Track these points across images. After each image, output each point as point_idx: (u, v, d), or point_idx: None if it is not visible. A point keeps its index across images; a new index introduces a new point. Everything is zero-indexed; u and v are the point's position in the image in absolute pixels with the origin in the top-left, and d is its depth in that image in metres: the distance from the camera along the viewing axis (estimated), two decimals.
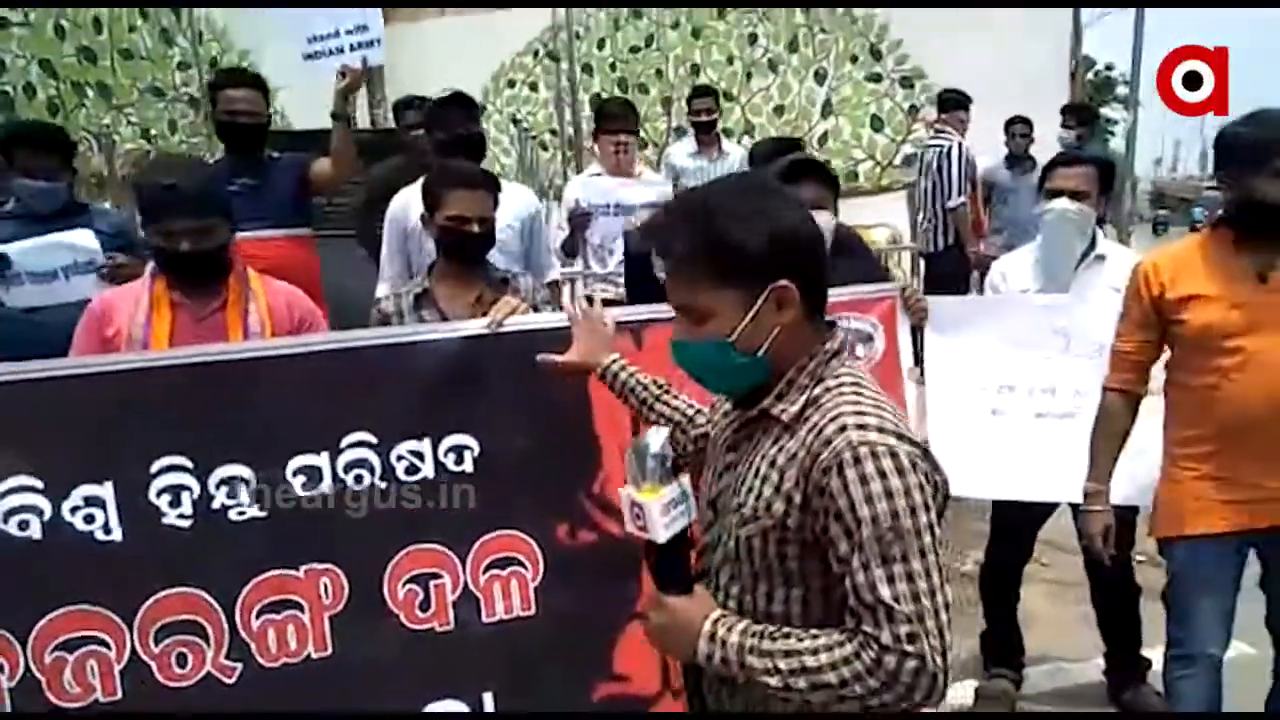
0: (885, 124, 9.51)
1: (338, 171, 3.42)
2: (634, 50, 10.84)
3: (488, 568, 2.18)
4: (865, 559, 1.23)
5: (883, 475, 1.24)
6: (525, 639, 2.19)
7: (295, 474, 2.03)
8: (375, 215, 3.38)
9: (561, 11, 10.67)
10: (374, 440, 2.08)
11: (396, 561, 2.11)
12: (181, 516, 1.94)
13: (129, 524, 1.90)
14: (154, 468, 1.93)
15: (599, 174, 3.98)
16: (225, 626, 1.98)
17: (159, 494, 1.92)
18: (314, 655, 2.05)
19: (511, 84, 11.67)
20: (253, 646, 2.00)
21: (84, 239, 2.93)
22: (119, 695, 1.91)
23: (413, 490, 2.11)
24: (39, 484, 1.84)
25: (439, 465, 2.14)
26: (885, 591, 1.22)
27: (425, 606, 2.13)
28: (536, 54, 11.52)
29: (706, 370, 1.41)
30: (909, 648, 1.21)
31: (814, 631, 1.28)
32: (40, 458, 1.84)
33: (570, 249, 4.06)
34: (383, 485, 2.10)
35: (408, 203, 2.98)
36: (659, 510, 1.31)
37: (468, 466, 2.16)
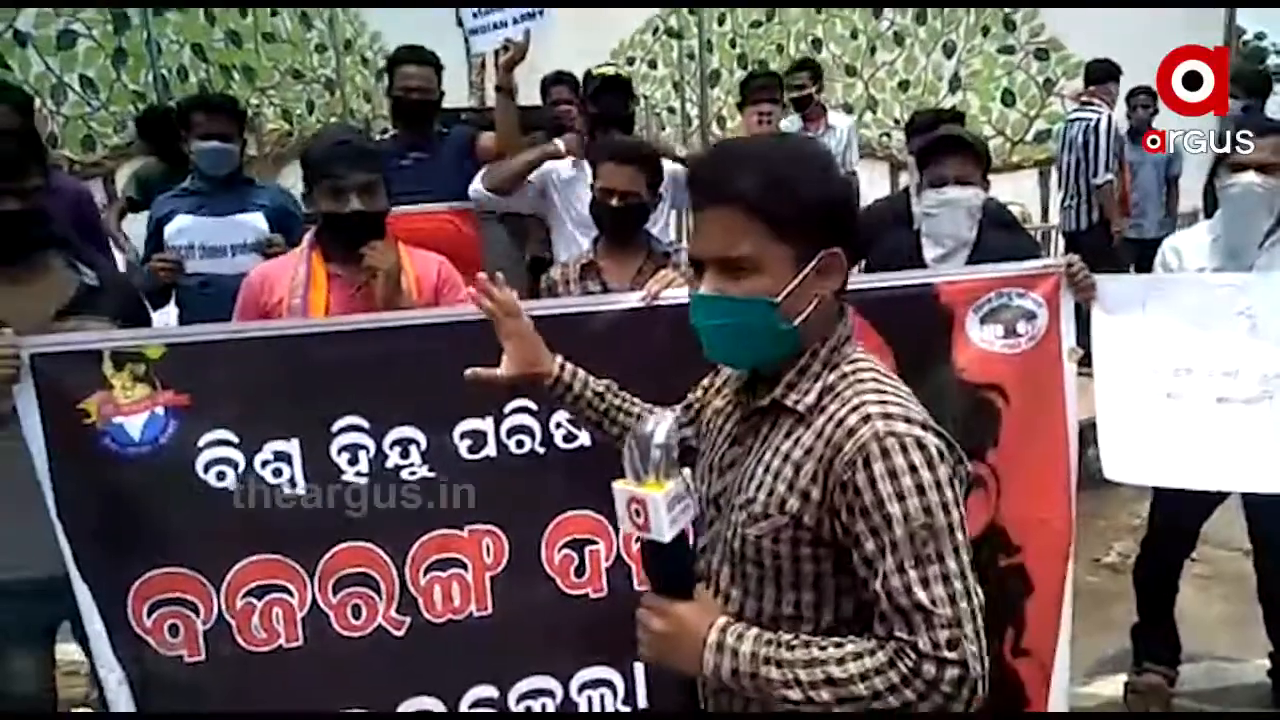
0: (1018, 98, 9.14)
1: (501, 144, 3.50)
2: (755, 25, 10.72)
3: None
4: (899, 560, 1.14)
5: (913, 469, 1.15)
6: None
7: (462, 437, 2.10)
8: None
9: None
10: (534, 407, 2.13)
11: (554, 526, 2.16)
12: (359, 474, 2.04)
13: (313, 479, 2.00)
14: (335, 427, 2.03)
15: None
16: (396, 581, 2.07)
17: (339, 451, 2.02)
18: (475, 613, 2.13)
19: (630, 61, 11.71)
20: (420, 602, 2.09)
21: (255, 221, 3.12)
22: (300, 642, 2.03)
23: (570, 457, 2.16)
24: (235, 438, 1.96)
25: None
26: (922, 595, 1.13)
27: (580, 572, 2.18)
28: (655, 31, 11.53)
29: (738, 334, 1.26)
30: (950, 654, 1.12)
31: (835, 640, 1.19)
32: (236, 414, 1.96)
33: None
34: (542, 450, 2.15)
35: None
36: (664, 506, 1.18)
37: None
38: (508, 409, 2.12)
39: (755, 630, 1.22)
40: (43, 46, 7.46)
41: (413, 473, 2.08)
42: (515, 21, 3.63)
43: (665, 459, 1.19)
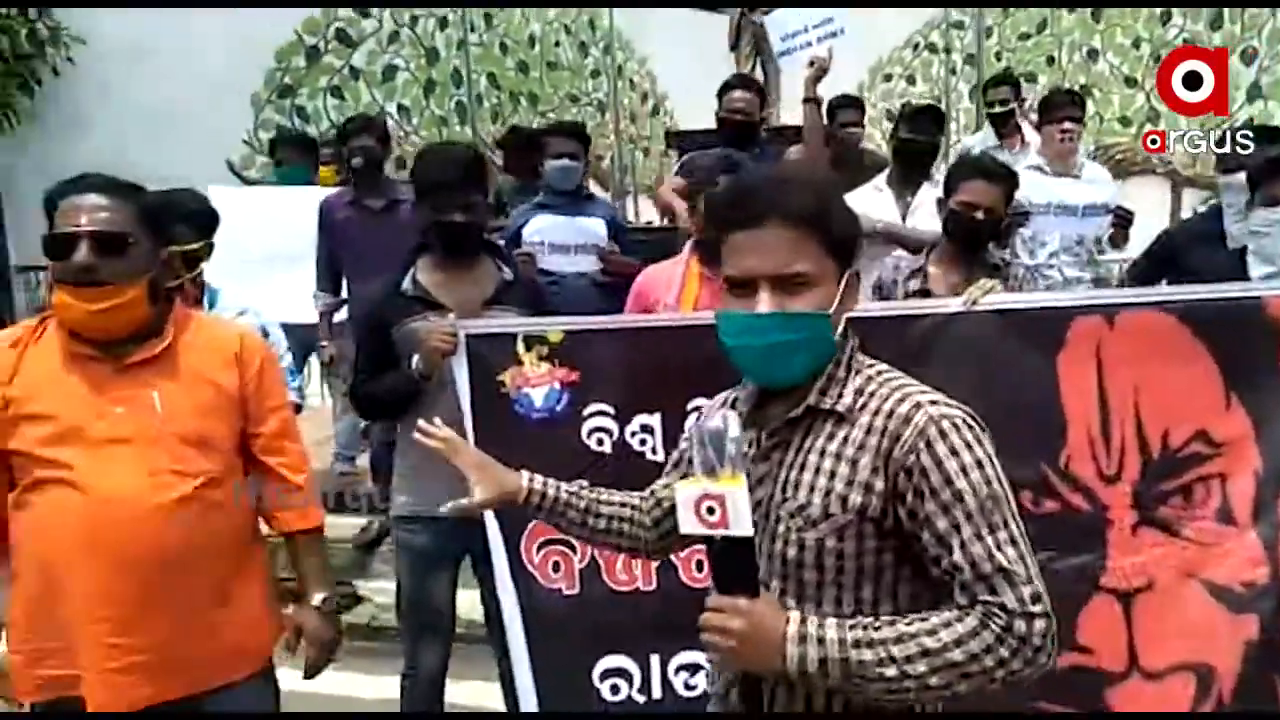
0: None
1: (809, 153, 3.81)
2: (1023, 37, 10.38)
3: None
4: (975, 529, 1.21)
5: (969, 446, 1.24)
6: None
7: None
8: None
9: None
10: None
11: None
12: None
13: (669, 448, 2.33)
14: (689, 406, 2.36)
15: (1038, 166, 4.01)
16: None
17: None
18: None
19: (888, 78, 11.70)
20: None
21: (596, 226, 3.64)
22: (652, 585, 2.36)
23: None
24: (612, 410, 2.33)
25: None
26: (1002, 558, 1.20)
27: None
28: (916, 47, 11.45)
29: (796, 349, 1.30)
30: (1034, 608, 1.19)
31: (918, 615, 1.22)
32: (614, 390, 2.33)
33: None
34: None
35: None
36: (744, 499, 1.17)
37: None
38: None
39: (834, 619, 1.23)
40: (370, 79, 8.64)
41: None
42: (819, 40, 3.99)
43: (738, 453, 1.19)
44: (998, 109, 4.98)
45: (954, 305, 2.39)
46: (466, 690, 3.00)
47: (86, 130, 6.35)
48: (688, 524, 1.21)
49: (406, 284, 2.44)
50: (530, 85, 9.98)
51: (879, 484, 1.25)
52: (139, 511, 1.70)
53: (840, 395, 1.31)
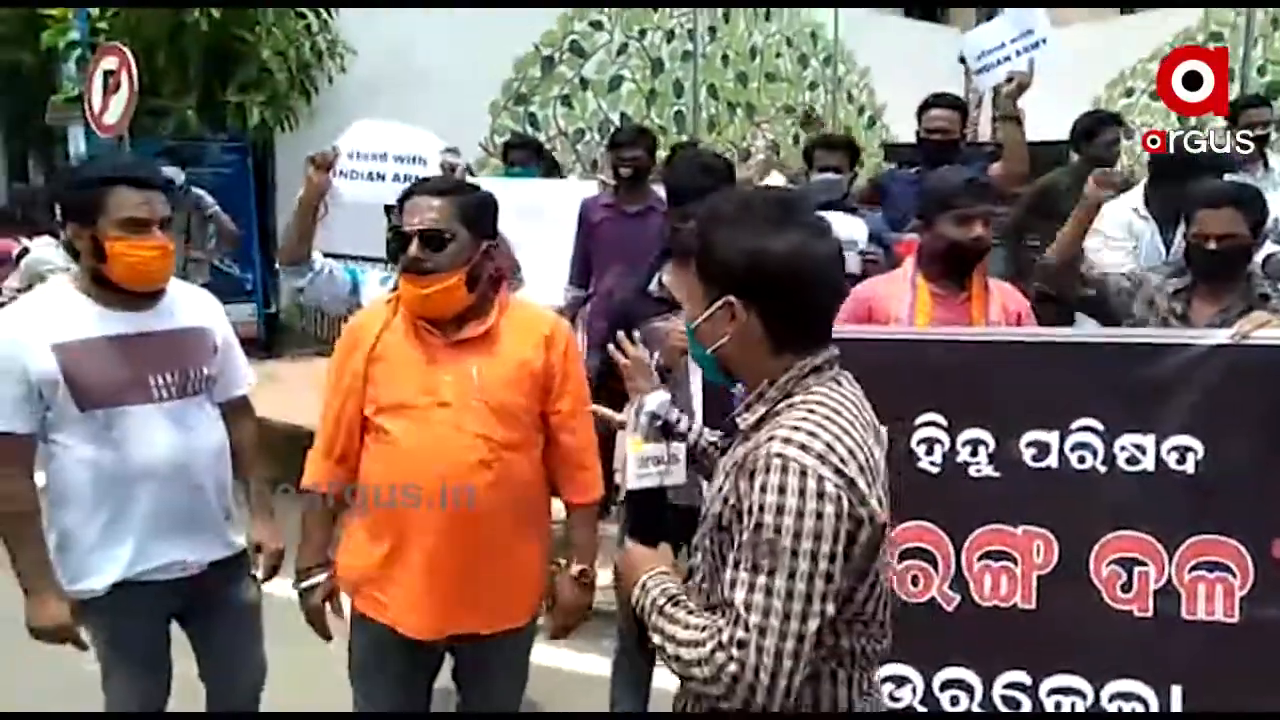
0: None
1: (1009, 170, 3.71)
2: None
3: (1194, 567, 2.27)
4: (738, 558, 1.29)
5: (781, 490, 1.26)
6: (1225, 644, 2.26)
7: (1027, 445, 2.35)
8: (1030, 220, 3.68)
9: (1200, 12, 9.76)
10: (1100, 428, 2.31)
11: (1105, 541, 2.31)
12: (931, 463, 2.38)
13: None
14: (915, 421, 2.39)
15: None
16: (952, 562, 2.38)
17: (918, 443, 2.38)
18: (1020, 605, 2.36)
19: (1129, 93, 10.95)
20: (971, 585, 2.38)
21: (858, 232, 3.63)
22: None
23: (1131, 479, 2.30)
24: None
25: (1160, 461, 2.29)
26: (739, 595, 1.26)
27: (1127, 588, 2.31)
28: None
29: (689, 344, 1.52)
30: (735, 652, 1.25)
31: (705, 612, 1.36)
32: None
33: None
34: (1103, 469, 2.31)
35: None
36: (634, 462, 1.56)
37: (1189, 468, 2.28)
38: (1073, 425, 2.33)
39: (671, 585, 1.41)
40: (598, 90, 9.05)
41: (979, 470, 2.37)
42: (1018, 54, 3.86)
43: (649, 426, 1.51)
44: (1257, 130, 4.20)
45: (1218, 336, 2.30)
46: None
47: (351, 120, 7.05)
48: (619, 476, 1.53)
49: (653, 286, 2.60)
50: (748, 96, 10.11)
51: (732, 499, 1.34)
52: (453, 466, 1.97)
53: (754, 414, 1.41)
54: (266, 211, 7.50)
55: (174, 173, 4.83)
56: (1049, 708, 2.34)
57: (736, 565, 1.28)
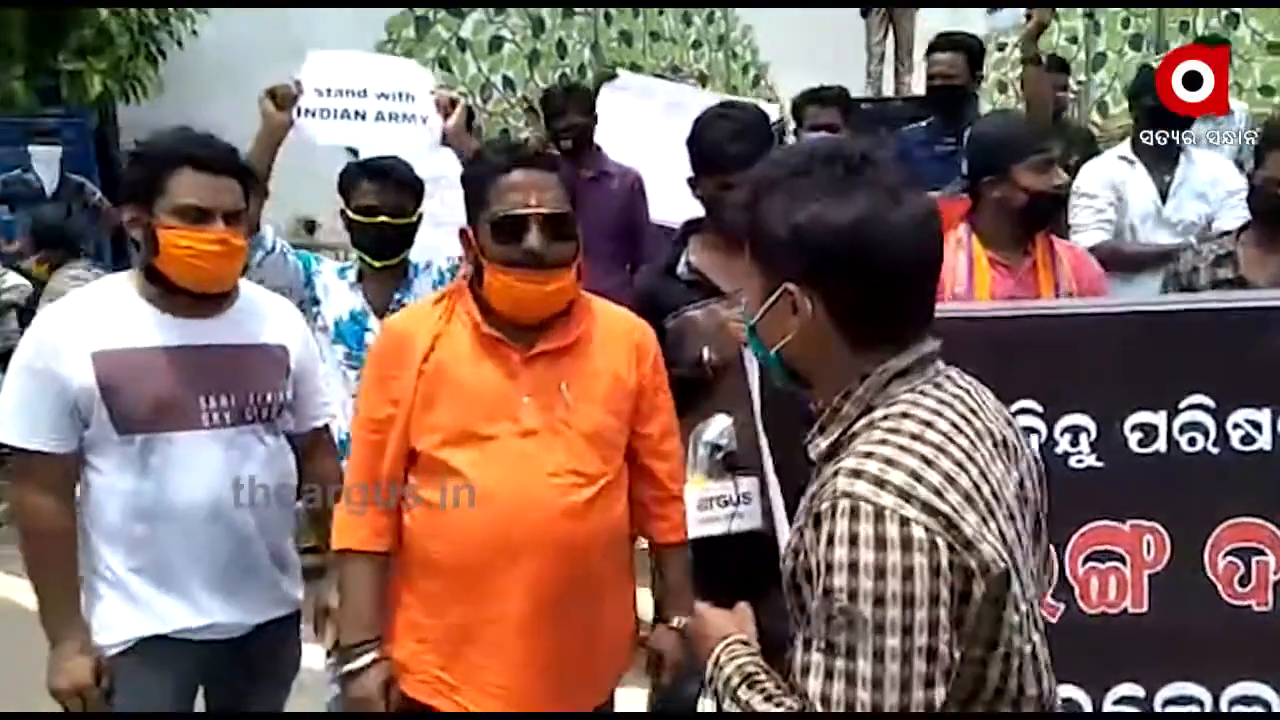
0: None
1: (1033, 119, 3.44)
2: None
3: None
4: (809, 635, 1.00)
5: (853, 541, 0.97)
6: None
7: (1132, 430, 2.07)
8: None
9: None
10: (1211, 405, 2.05)
11: (1220, 531, 2.06)
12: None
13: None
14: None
15: None
16: (1055, 567, 2.07)
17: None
18: (1130, 610, 2.08)
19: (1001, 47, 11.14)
20: (1076, 590, 2.08)
21: None
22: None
23: (1247, 460, 2.05)
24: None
25: (1277, 438, 2.05)
26: (813, 685, 0.98)
27: (1245, 581, 2.06)
28: None
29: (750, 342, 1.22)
30: None
31: (784, 699, 1.07)
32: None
33: None
34: (1215, 450, 2.06)
35: None
36: (694, 504, 1.24)
37: None
38: (1181, 405, 2.06)
39: (748, 659, 1.16)
40: (477, 51, 8.41)
41: (1080, 461, 2.07)
42: None
43: (709, 459, 1.21)
44: None
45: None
46: None
47: (207, 101, 6.22)
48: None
49: (681, 268, 2.16)
50: (634, 56, 9.67)
51: (800, 551, 1.07)
52: (545, 511, 1.56)
53: (827, 438, 1.13)
54: (111, 193, 6.58)
55: (47, 153, 4.01)
56: None
57: (808, 645, 1.00)
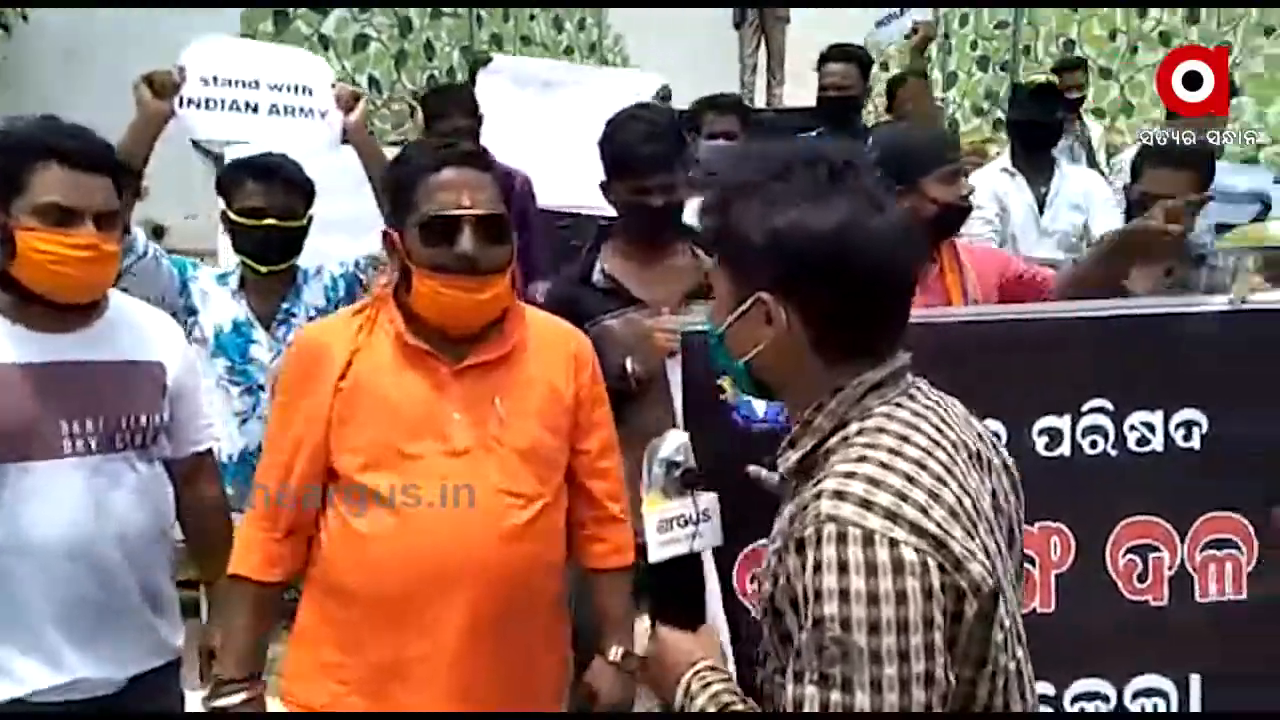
0: None
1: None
2: (1000, 26, 10.36)
3: (1204, 547, 2.16)
4: (800, 667, 0.96)
5: (842, 568, 0.93)
6: (1234, 623, 2.16)
7: (1040, 434, 2.11)
8: None
9: None
10: (1110, 408, 2.12)
11: (1119, 529, 2.14)
12: None
13: None
14: None
15: None
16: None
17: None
18: (1039, 609, 2.13)
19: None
20: None
21: None
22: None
23: (1142, 461, 2.13)
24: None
25: (1168, 439, 2.14)
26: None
27: (1143, 578, 2.15)
28: None
29: (711, 353, 1.18)
30: None
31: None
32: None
33: None
34: (1113, 452, 2.13)
35: None
36: (654, 525, 1.16)
37: (1195, 443, 2.14)
38: (1084, 408, 2.12)
39: (721, 687, 1.12)
40: (340, 49, 8.05)
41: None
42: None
43: (665, 477, 1.15)
44: (1076, 94, 4.77)
45: (1216, 304, 2.16)
46: None
47: (41, 92, 5.68)
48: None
49: (596, 275, 2.07)
50: None
51: (781, 577, 1.03)
52: (477, 538, 1.45)
53: (799, 451, 1.09)
54: None
55: None
56: None
57: (799, 678, 0.96)
